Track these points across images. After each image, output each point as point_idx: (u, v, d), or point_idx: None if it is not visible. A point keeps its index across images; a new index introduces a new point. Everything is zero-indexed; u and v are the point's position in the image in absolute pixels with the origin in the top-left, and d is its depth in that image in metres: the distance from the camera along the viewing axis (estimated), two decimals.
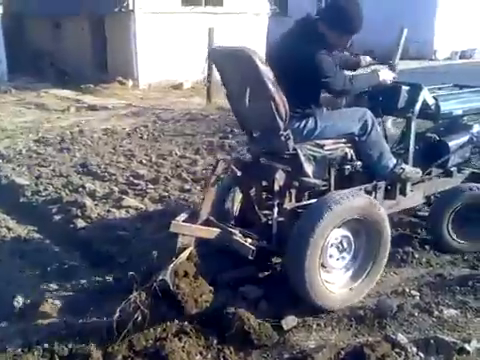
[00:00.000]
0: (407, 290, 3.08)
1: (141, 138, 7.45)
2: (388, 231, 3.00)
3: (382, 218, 2.96)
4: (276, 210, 2.98)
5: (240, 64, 2.90)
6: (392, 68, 3.42)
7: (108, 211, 4.44)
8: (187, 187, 5.07)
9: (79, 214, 4.32)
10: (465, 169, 3.83)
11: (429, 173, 3.60)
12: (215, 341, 2.62)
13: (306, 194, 3.16)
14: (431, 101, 3.40)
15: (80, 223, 4.18)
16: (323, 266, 2.88)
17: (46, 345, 2.56)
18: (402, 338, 2.52)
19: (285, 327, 2.74)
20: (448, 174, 3.72)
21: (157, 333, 2.65)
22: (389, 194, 3.36)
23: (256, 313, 2.78)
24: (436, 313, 2.79)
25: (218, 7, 13.73)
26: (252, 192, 3.31)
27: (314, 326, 2.78)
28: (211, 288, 2.72)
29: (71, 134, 7.70)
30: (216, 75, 11.21)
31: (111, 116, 9.43)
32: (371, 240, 2.99)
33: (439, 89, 3.75)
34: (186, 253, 2.69)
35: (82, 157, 6.39)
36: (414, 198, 3.53)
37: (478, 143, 3.70)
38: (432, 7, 16.26)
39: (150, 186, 5.11)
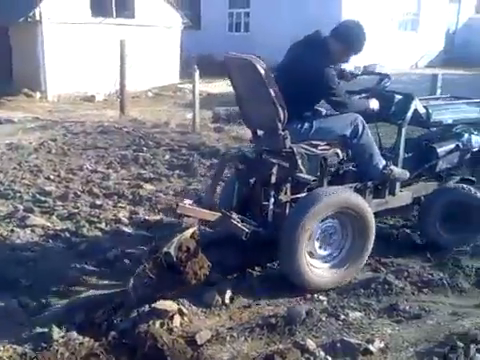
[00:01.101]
0: (315, 295, 3.21)
1: (49, 153, 7.12)
2: (373, 225, 3.35)
3: (366, 213, 3.30)
4: (272, 201, 3.32)
5: (246, 71, 3.28)
6: (388, 77, 3.75)
7: (12, 231, 4.20)
8: (99, 202, 4.92)
9: None
10: (455, 174, 4.11)
11: (418, 176, 3.90)
12: None
13: (301, 189, 3.42)
14: (422, 110, 3.72)
15: None
16: (310, 252, 3.25)
17: None
18: (311, 343, 2.61)
19: (199, 341, 2.73)
20: (437, 178, 4.03)
21: (65, 357, 2.55)
22: (378, 193, 3.67)
23: (169, 329, 2.76)
24: (342, 317, 2.92)
25: (129, 19, 13.56)
26: (253, 185, 3.60)
27: (227, 338, 2.79)
28: (209, 263, 2.98)
29: None
30: (129, 87, 10.99)
31: (17, 130, 8.91)
32: (356, 233, 3.34)
33: (436, 99, 4.04)
34: (190, 231, 2.99)
35: None
36: (403, 198, 3.81)
37: (467, 150, 3.98)
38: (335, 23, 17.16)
39: (58, 203, 4.91)
